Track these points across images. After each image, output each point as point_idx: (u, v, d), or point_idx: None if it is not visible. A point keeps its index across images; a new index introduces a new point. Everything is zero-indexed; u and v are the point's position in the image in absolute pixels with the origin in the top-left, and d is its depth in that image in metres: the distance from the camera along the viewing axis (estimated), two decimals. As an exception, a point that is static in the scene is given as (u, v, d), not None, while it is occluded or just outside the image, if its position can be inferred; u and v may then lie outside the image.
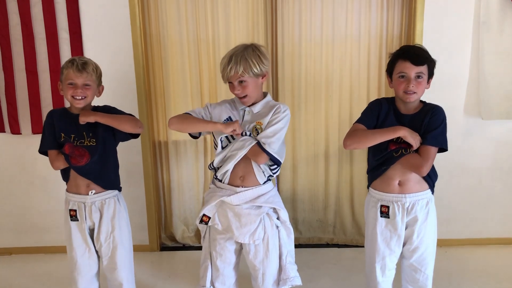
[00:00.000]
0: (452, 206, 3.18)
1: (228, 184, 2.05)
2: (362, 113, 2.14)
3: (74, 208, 2.18)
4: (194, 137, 2.16)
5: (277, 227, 2.09)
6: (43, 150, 2.21)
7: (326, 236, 3.41)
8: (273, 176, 2.11)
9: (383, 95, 3.12)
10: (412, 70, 1.95)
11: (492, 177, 3.18)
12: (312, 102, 3.19)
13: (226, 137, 2.04)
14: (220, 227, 2.06)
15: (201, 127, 2.06)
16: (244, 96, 2.02)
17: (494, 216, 3.25)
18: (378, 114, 2.06)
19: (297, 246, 3.28)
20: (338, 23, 3.07)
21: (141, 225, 3.24)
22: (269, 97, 2.13)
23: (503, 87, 2.98)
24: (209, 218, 2.06)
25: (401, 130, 1.96)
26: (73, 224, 2.19)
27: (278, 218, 2.09)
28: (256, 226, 2.02)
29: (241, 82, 1.99)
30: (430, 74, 2.01)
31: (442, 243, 3.06)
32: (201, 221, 2.08)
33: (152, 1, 3.03)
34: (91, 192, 2.17)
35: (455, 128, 2.99)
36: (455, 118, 2.99)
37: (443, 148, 2.02)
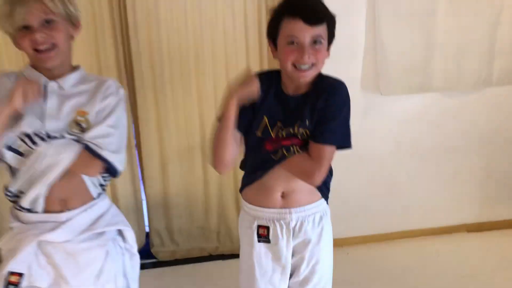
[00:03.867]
0: (351, 199, 2.75)
1: (45, 212, 1.36)
2: None
3: None
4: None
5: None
6: None
7: (209, 246, 2.85)
8: (105, 185, 1.48)
9: (266, 67, 2.56)
10: (306, 32, 1.31)
11: (394, 162, 2.80)
12: (179, 81, 2.57)
13: (22, 139, 1.28)
14: (45, 284, 1.35)
15: None
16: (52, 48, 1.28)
17: (397, 208, 2.87)
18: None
19: (173, 262, 2.76)
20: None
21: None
22: (83, 71, 1.43)
23: (404, 57, 2.56)
24: (21, 275, 1.33)
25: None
26: None
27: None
28: (102, 263, 1.40)
29: (47, 22, 1.27)
30: (330, 37, 1.40)
31: (342, 243, 2.73)
32: (8, 284, 1.32)
33: None
34: None
35: (351, 106, 2.52)
36: (350, 94, 2.50)
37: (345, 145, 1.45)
